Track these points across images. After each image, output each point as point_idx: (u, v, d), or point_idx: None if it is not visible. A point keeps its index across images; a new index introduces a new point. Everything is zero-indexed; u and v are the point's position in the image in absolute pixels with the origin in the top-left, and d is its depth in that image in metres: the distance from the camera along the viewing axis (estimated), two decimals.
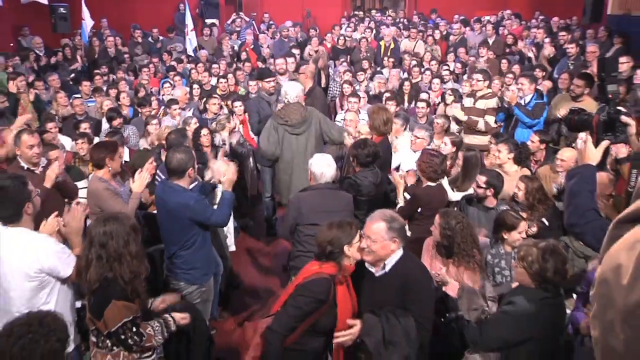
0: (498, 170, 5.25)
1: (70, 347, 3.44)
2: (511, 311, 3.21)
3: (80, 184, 5.44)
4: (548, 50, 10.10)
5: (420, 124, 7.86)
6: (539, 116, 6.90)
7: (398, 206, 5.09)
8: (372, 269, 3.42)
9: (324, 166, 4.46)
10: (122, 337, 3.12)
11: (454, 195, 5.32)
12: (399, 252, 3.37)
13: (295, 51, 11.12)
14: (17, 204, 3.26)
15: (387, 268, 3.36)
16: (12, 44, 12.54)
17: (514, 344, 3.22)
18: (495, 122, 7.31)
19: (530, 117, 6.88)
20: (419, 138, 6.39)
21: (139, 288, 3.17)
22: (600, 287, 0.75)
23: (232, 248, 6.51)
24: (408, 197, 5.05)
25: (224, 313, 5.46)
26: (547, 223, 4.96)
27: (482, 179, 4.91)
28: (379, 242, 3.28)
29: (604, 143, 2.94)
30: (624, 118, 3.10)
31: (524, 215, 5.08)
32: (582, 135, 3.03)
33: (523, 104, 7.09)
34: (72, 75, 11.38)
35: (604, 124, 3.18)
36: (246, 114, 7.71)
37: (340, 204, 4.42)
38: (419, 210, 4.90)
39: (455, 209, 5.16)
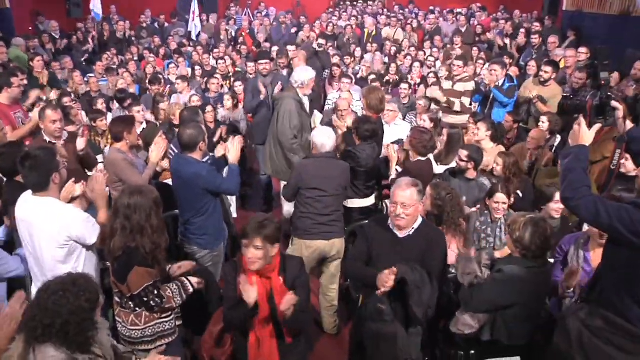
0: (478, 146, 5.14)
1: None
2: (500, 278, 3.12)
3: (99, 157, 5.26)
4: (520, 39, 9.99)
5: (403, 103, 7.73)
6: (512, 96, 6.83)
7: (390, 178, 4.96)
8: (397, 232, 3.30)
9: (324, 138, 4.40)
10: (145, 299, 2.98)
11: (438, 169, 5.20)
12: (420, 217, 3.34)
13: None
14: (46, 173, 3.09)
15: (412, 231, 3.29)
16: (30, 28, 12.15)
17: (501, 308, 3.15)
18: (471, 103, 7.19)
19: (506, 96, 6.80)
20: (390, 111, 6.26)
21: (159, 257, 3.02)
22: None
23: (234, 215, 6.35)
24: (400, 170, 4.92)
25: None
26: (520, 195, 4.89)
27: (464, 153, 4.82)
28: (413, 206, 3.20)
29: (597, 126, 2.84)
30: (613, 103, 2.97)
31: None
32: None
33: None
34: (85, 56, 11.01)
35: (597, 108, 3.08)
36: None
37: (337, 171, 4.38)
38: None
39: (440, 179, 5.05)
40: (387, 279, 3.07)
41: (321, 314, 4.63)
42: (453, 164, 5.18)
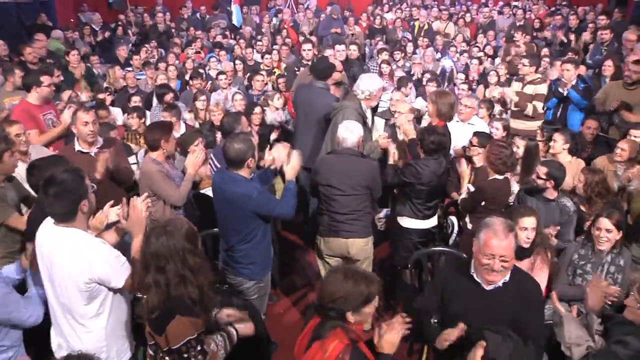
0: (559, 162, 4.46)
1: (127, 356, 2.81)
2: (622, 353, 2.46)
3: (130, 159, 4.79)
4: (587, 36, 9.00)
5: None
6: (590, 98, 6.14)
7: (461, 197, 4.32)
8: (482, 284, 2.71)
9: (347, 132, 4.03)
10: (185, 355, 2.43)
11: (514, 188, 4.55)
12: None
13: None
14: (73, 200, 2.55)
15: (501, 282, 2.68)
16: (72, 20, 11.89)
17: None
18: (543, 107, 6.45)
19: (585, 98, 6.08)
20: (468, 107, 5.42)
21: (207, 303, 2.46)
22: None
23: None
24: (472, 188, 4.26)
25: (273, 296, 4.71)
26: None
27: (542, 170, 4.14)
28: (512, 257, 2.63)
29: None
30: None
31: (583, 208, 4.37)
32: None
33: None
34: (129, 47, 10.66)
35: None
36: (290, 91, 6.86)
37: (359, 168, 3.96)
38: (483, 203, 4.13)
39: (514, 200, 4.40)
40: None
41: None
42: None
